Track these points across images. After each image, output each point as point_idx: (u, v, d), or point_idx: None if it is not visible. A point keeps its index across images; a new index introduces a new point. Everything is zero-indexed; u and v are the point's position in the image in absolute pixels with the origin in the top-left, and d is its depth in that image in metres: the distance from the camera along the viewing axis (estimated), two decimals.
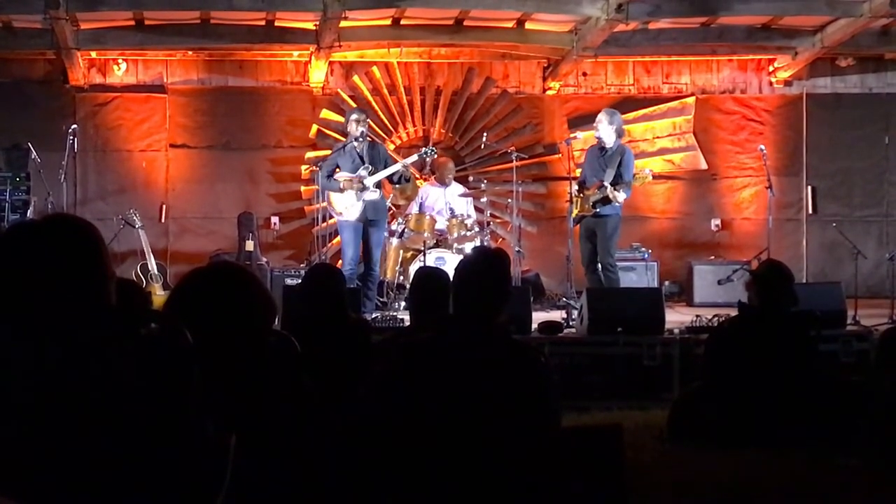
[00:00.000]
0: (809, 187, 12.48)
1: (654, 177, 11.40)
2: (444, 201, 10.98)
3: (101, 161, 11.92)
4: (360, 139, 9.69)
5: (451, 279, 3.79)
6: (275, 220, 12.02)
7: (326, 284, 5.36)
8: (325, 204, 10.17)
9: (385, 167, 9.71)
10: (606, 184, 9.40)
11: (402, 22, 11.21)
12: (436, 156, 10.76)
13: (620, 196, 9.39)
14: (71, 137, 10.50)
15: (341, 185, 9.59)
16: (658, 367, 7.92)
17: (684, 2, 10.73)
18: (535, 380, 3.55)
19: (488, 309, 3.59)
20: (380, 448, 3.25)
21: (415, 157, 10.40)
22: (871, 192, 12.51)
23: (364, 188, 9.54)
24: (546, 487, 3.05)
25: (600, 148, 9.68)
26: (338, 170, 9.71)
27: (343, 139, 10.19)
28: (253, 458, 2.65)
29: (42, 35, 10.91)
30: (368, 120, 10.17)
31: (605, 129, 9.59)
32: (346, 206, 9.59)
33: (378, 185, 9.64)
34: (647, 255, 11.43)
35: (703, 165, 12.42)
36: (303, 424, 2.96)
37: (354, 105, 11.52)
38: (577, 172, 10.11)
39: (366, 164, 9.64)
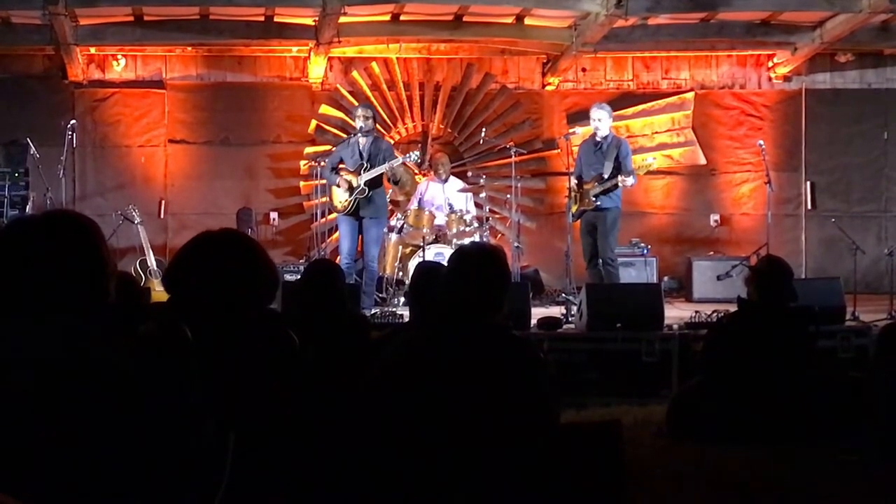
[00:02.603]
0: (808, 183, 12.49)
1: (653, 172, 11.44)
2: (444, 197, 10.99)
3: (99, 157, 11.92)
4: (363, 134, 9.70)
5: (447, 272, 3.78)
6: (274, 215, 12.02)
7: (325, 281, 5.35)
8: (324, 199, 10.18)
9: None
10: (606, 176, 9.42)
11: (402, 18, 11.20)
12: (417, 160, 10.75)
13: (629, 181, 9.40)
14: (70, 133, 10.51)
15: (337, 181, 9.63)
16: (657, 362, 7.93)
17: None
18: (534, 376, 3.55)
19: (490, 306, 3.59)
20: (379, 444, 3.25)
21: (399, 161, 10.33)
22: (869, 187, 12.52)
23: (356, 185, 9.54)
24: (545, 484, 3.06)
25: (595, 142, 9.70)
26: (341, 163, 9.75)
27: (342, 135, 10.22)
28: (251, 454, 2.65)
29: (41, 31, 10.90)
30: (374, 115, 10.17)
31: (605, 122, 9.64)
32: (341, 201, 9.64)
33: (375, 182, 9.63)
34: (646, 251, 11.43)
35: (702, 161, 12.42)
36: (301, 420, 2.96)
37: (353, 101, 11.53)
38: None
39: (363, 161, 9.65)
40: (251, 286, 2.95)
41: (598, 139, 9.68)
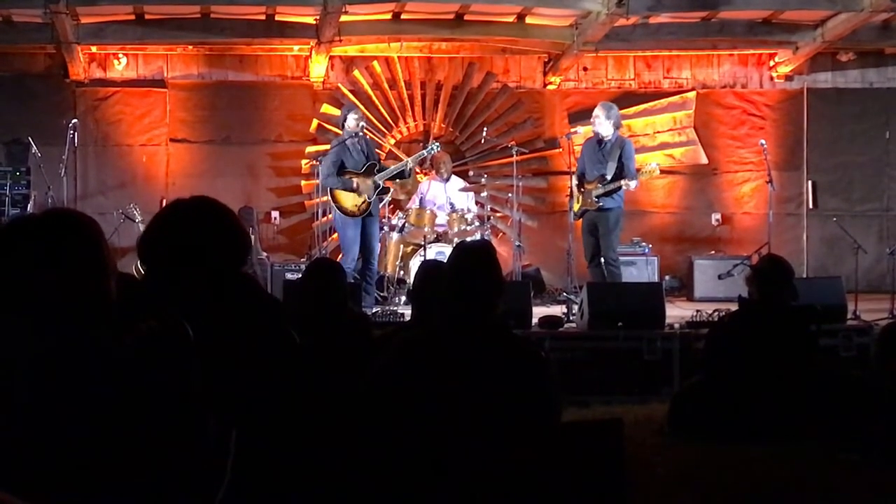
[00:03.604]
0: (810, 182, 12.48)
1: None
2: (445, 196, 11.00)
3: (101, 155, 11.93)
4: (360, 135, 9.72)
5: (449, 269, 3.79)
6: (275, 214, 12.02)
7: (327, 279, 5.36)
8: (326, 198, 10.17)
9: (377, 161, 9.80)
10: (609, 177, 9.42)
11: (403, 16, 11.20)
12: (439, 150, 10.78)
13: (632, 185, 9.40)
14: (71, 132, 10.51)
15: (355, 184, 9.60)
16: (658, 361, 7.93)
17: None
18: (536, 374, 3.55)
19: (485, 303, 3.60)
20: (380, 442, 3.25)
21: (423, 154, 10.42)
22: (871, 186, 12.52)
23: (378, 186, 9.57)
24: (546, 482, 3.05)
25: (598, 141, 9.69)
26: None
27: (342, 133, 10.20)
28: (252, 453, 2.65)
29: (42, 29, 10.89)
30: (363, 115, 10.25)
31: (602, 123, 9.60)
32: (356, 204, 9.61)
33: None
34: (647, 250, 11.43)
35: (704, 160, 12.41)
36: (302, 418, 2.96)
37: (355, 100, 11.53)
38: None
39: (370, 160, 9.68)
40: (223, 246, 2.96)
41: (600, 138, 9.66)
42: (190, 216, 2.98)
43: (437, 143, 10.71)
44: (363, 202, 9.57)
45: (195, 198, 3.05)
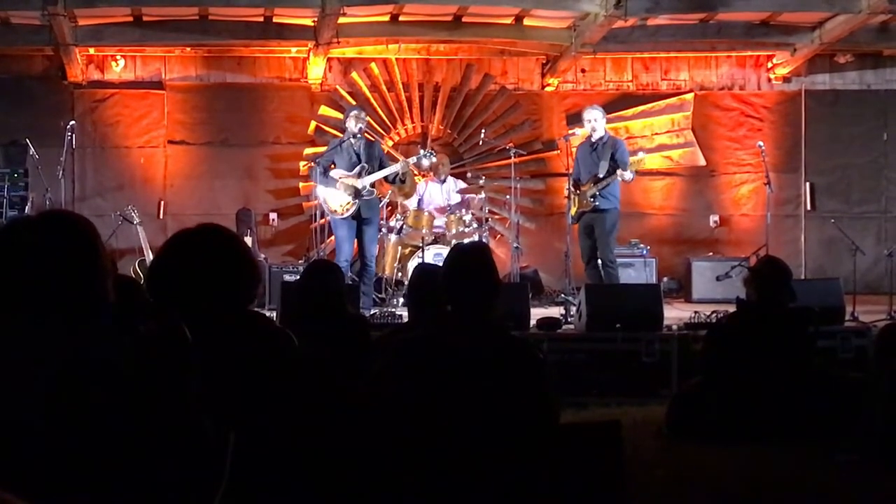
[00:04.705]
0: (808, 184, 12.49)
1: (653, 173, 11.44)
2: (443, 198, 11.00)
3: (99, 157, 11.92)
4: (358, 136, 9.69)
5: (445, 271, 3.80)
6: (273, 216, 12.02)
7: (325, 281, 5.35)
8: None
9: (381, 166, 9.70)
10: (602, 176, 9.45)
11: (401, 18, 11.20)
12: (434, 159, 10.74)
13: (627, 175, 9.41)
14: (69, 134, 10.50)
15: (337, 185, 9.57)
16: (656, 363, 7.93)
17: None
18: (534, 376, 3.55)
19: (482, 304, 3.60)
20: (379, 443, 3.25)
21: (413, 160, 10.38)
22: (869, 188, 12.53)
23: (361, 187, 9.51)
24: (544, 484, 3.05)
25: (591, 144, 9.72)
26: (332, 166, 9.70)
27: (342, 135, 10.18)
28: (251, 454, 2.65)
29: (40, 31, 10.89)
30: (367, 118, 10.19)
31: (600, 126, 9.67)
32: (341, 204, 9.57)
33: (373, 184, 9.63)
34: (645, 252, 11.43)
35: (702, 162, 12.42)
36: (300, 420, 2.96)
37: (353, 101, 11.52)
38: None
39: (362, 163, 9.63)
40: (231, 281, 2.94)
41: (593, 140, 9.70)
42: (195, 245, 2.97)
43: (432, 152, 10.66)
44: (348, 203, 9.54)
45: (201, 226, 3.04)
